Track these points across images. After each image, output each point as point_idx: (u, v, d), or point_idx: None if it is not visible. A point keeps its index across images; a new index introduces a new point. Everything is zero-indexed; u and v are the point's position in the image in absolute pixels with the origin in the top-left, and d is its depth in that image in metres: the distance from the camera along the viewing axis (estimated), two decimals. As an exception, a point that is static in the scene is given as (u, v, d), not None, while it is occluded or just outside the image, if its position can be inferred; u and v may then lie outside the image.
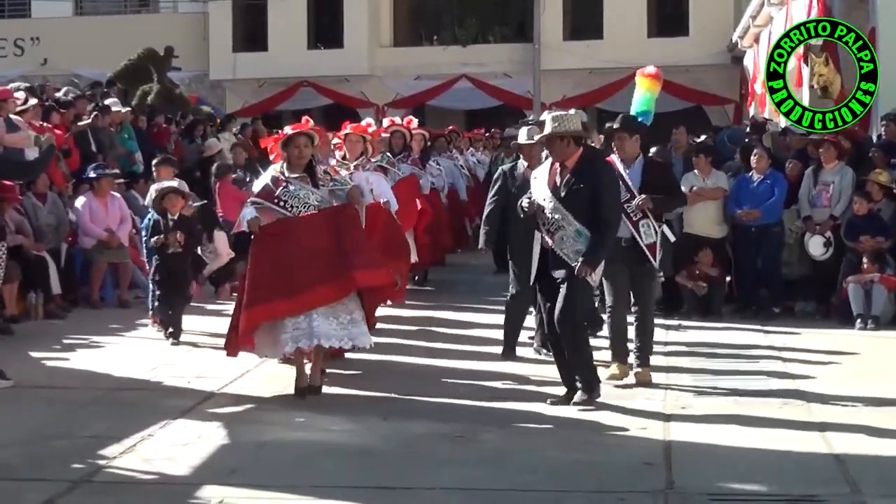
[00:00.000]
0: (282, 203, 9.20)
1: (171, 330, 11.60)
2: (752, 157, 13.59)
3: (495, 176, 11.10)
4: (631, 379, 9.63)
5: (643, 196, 9.58)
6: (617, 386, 9.43)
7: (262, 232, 9.14)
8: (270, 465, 7.36)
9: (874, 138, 15.45)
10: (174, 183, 12.32)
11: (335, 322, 9.01)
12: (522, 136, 10.64)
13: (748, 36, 26.53)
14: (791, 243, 13.60)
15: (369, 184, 11.54)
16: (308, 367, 9.28)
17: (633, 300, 9.79)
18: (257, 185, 9.48)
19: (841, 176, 13.38)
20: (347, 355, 10.17)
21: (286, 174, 9.29)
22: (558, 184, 8.78)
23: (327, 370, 9.74)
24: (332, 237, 9.09)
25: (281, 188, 9.22)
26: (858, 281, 12.66)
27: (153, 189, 12.31)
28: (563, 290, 8.68)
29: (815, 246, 13.30)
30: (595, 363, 9.01)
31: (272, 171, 9.45)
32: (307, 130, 9.42)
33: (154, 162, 14.12)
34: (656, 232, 9.61)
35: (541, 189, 8.87)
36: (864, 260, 12.76)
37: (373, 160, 12.51)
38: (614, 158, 9.78)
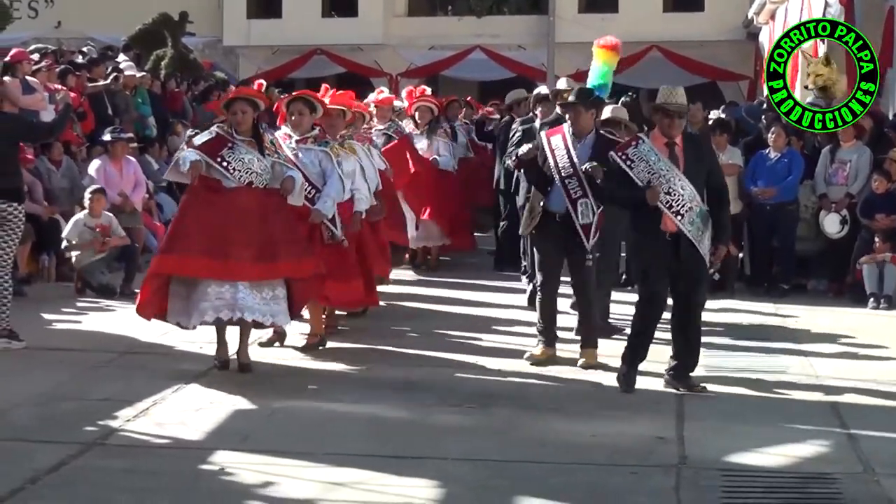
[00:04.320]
0: (225, 164, 8.65)
1: None
2: (769, 135, 13.53)
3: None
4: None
5: (594, 163, 8.91)
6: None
7: (200, 182, 8.62)
8: (282, 431, 7.39)
9: (890, 116, 15.39)
10: None
11: (259, 297, 8.66)
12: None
13: (764, 12, 26.37)
14: (807, 218, 13.57)
15: (319, 165, 9.55)
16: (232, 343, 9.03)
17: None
18: (199, 139, 8.90)
19: (858, 154, 13.33)
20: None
21: (235, 135, 8.77)
22: (678, 157, 8.36)
23: (341, 327, 10.22)
24: (264, 216, 8.65)
25: (227, 148, 8.70)
26: (872, 261, 12.63)
27: None
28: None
29: (831, 224, 13.27)
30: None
31: (218, 129, 8.91)
32: (249, 96, 8.99)
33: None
34: (594, 213, 9.10)
35: (659, 161, 8.33)
36: (877, 238, 12.72)
37: (376, 129, 12.25)
38: (565, 130, 9.24)
